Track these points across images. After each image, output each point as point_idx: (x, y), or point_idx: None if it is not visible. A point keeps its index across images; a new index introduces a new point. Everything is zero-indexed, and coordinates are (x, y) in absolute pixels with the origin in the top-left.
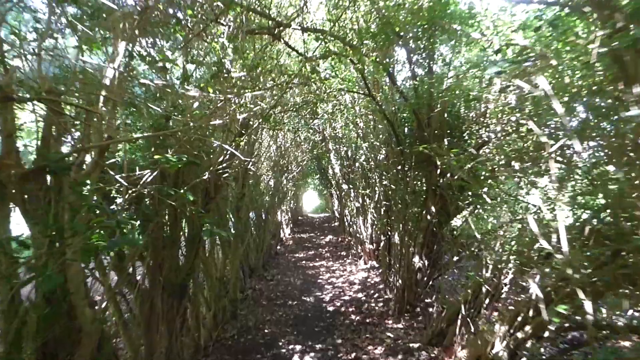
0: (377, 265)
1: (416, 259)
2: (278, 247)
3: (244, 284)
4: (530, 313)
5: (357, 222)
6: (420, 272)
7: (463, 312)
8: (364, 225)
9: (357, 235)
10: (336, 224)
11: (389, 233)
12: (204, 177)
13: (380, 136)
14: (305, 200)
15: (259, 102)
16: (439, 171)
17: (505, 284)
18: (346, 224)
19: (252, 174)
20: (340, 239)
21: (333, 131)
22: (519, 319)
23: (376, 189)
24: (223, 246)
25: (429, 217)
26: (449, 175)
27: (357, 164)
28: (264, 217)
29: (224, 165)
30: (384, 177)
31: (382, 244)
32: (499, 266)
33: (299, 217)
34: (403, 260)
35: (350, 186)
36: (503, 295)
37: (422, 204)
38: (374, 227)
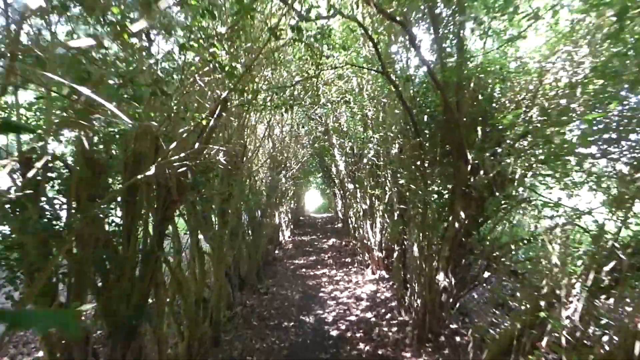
0: (386, 276)
1: (440, 276)
2: (276, 252)
3: (233, 299)
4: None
5: (364, 225)
6: (446, 293)
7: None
8: (372, 230)
9: (364, 241)
10: (339, 225)
11: (404, 242)
12: (150, 173)
13: (394, 127)
14: (307, 199)
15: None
16: (469, 167)
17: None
18: (351, 226)
19: (241, 170)
20: (344, 243)
21: (336, 122)
22: None
23: (386, 188)
24: (200, 258)
25: (456, 224)
26: (482, 172)
27: (365, 160)
28: (259, 220)
29: (195, 157)
30: (398, 175)
31: (395, 254)
32: (559, 292)
33: (301, 218)
34: (423, 277)
35: (357, 185)
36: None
37: (447, 208)
38: (384, 232)
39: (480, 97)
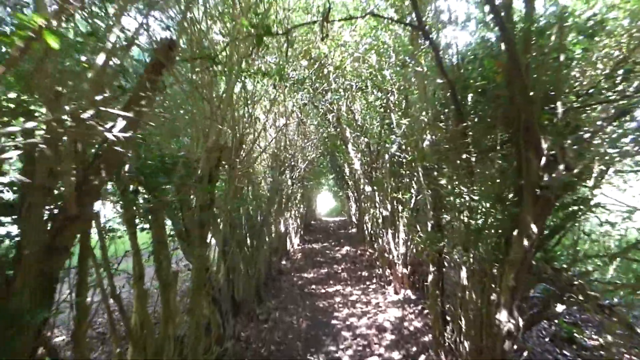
0: (413, 297)
1: (503, 315)
2: (283, 263)
3: (223, 330)
4: None
5: (384, 235)
6: (511, 339)
7: None
8: (394, 240)
9: (385, 253)
10: (354, 230)
11: (442, 263)
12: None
13: (426, 112)
14: (319, 202)
15: None
16: (543, 160)
17: None
18: (366, 232)
19: (231, 167)
20: (359, 252)
21: (349, 113)
22: None
23: (412, 190)
24: (165, 287)
25: (526, 241)
26: (562, 167)
27: (386, 157)
28: (259, 229)
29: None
30: (435, 173)
31: (430, 276)
32: None
33: (312, 222)
34: (474, 312)
35: (375, 188)
36: None
37: (509, 217)
38: (409, 244)
39: (558, 60)
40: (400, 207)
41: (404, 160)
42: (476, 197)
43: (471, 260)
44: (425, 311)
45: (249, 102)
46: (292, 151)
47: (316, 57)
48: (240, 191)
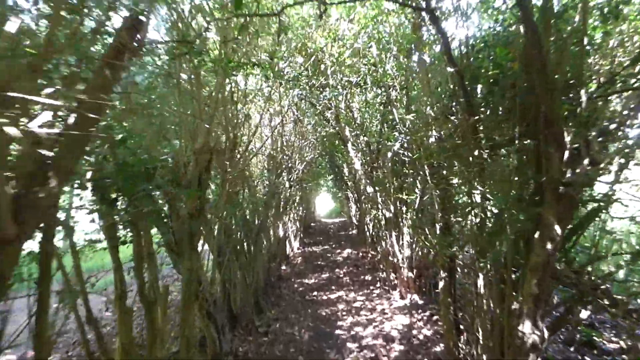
0: (420, 302)
1: (526, 326)
2: (283, 268)
3: (219, 347)
4: None
5: (388, 238)
6: (535, 352)
7: None
8: (398, 242)
9: (389, 257)
10: (354, 231)
11: (453, 268)
12: None
13: (430, 108)
14: (318, 204)
15: None
16: (566, 155)
17: None
18: (367, 234)
19: (224, 171)
20: (361, 254)
21: (348, 111)
22: None
23: (417, 190)
24: (149, 306)
25: (549, 244)
26: (587, 162)
27: (389, 154)
28: (255, 235)
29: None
30: (444, 172)
31: (441, 283)
32: None
33: (311, 224)
34: (491, 322)
35: (377, 188)
36: None
37: (532, 218)
38: (414, 246)
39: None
40: (404, 208)
41: (407, 159)
42: (490, 197)
43: (489, 269)
44: (435, 317)
45: (242, 99)
46: (289, 152)
47: (312, 51)
48: (236, 196)
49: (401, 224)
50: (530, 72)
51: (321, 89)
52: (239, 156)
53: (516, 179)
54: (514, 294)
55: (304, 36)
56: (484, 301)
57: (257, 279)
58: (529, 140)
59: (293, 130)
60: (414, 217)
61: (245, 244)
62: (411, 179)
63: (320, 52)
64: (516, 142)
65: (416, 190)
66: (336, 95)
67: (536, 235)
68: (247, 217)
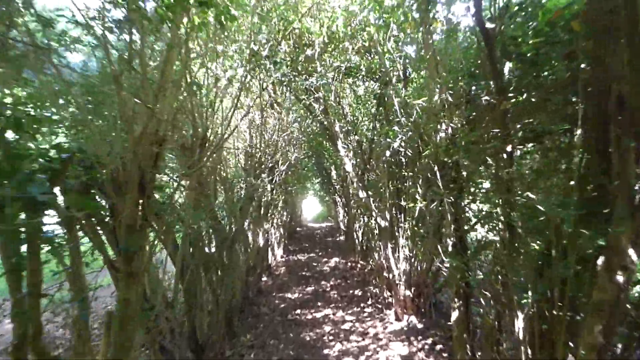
0: (419, 326)
1: None
2: (264, 279)
3: None
4: None
5: (382, 250)
6: None
7: None
8: (394, 255)
9: (384, 272)
10: (342, 238)
11: (468, 295)
12: None
13: (443, 95)
14: (304, 207)
15: None
16: None
17: None
18: (357, 241)
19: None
20: (349, 264)
21: (338, 106)
22: None
23: (417, 197)
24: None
25: (619, 276)
26: None
27: (388, 152)
28: (229, 246)
29: None
30: (463, 173)
31: (454, 313)
32: None
33: (297, 229)
34: None
35: (369, 193)
36: None
37: (594, 238)
38: (413, 261)
39: None
40: (403, 216)
41: (405, 160)
42: (542, 207)
43: (532, 307)
44: (438, 347)
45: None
46: (271, 150)
47: (298, 33)
48: (206, 199)
49: (397, 234)
50: (600, 35)
51: (307, 77)
52: (209, 153)
53: (571, 183)
54: (565, 342)
55: (286, 20)
56: (522, 348)
57: (233, 295)
58: (583, 132)
59: (275, 127)
60: (414, 227)
61: (216, 255)
62: (410, 183)
63: (307, 34)
64: (577, 132)
65: (417, 196)
66: (324, 83)
67: (600, 261)
68: (222, 224)
